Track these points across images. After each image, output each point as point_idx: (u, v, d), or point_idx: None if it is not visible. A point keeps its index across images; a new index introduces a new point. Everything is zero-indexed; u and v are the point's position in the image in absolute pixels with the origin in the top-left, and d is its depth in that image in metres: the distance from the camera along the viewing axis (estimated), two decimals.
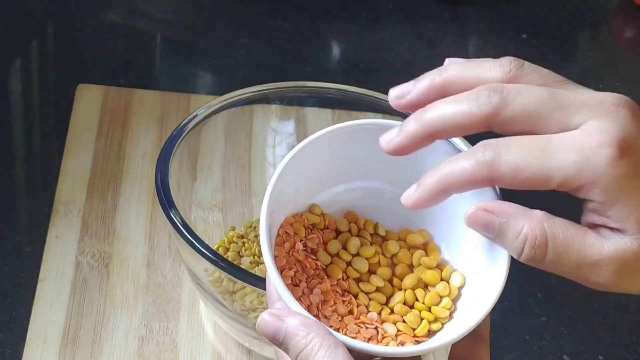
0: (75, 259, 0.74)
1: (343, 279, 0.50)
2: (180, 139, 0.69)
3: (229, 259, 0.70)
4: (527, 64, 0.46)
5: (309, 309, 0.46)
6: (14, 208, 0.81)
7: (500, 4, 1.15)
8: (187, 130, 0.70)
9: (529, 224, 0.43)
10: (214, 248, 0.69)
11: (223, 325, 0.70)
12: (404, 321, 0.48)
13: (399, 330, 0.48)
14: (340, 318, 0.47)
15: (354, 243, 0.51)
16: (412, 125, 0.45)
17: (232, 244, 0.72)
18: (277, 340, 0.44)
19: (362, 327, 0.47)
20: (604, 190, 0.43)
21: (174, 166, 0.68)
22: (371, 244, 0.51)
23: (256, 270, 0.68)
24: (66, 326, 0.69)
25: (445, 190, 0.44)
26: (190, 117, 0.71)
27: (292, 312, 0.45)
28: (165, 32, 1.07)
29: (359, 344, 0.44)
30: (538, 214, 0.43)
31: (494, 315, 0.80)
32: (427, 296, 0.49)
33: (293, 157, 0.49)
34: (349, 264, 0.50)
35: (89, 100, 0.89)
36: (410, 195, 0.45)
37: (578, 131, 0.43)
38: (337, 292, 0.49)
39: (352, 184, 0.52)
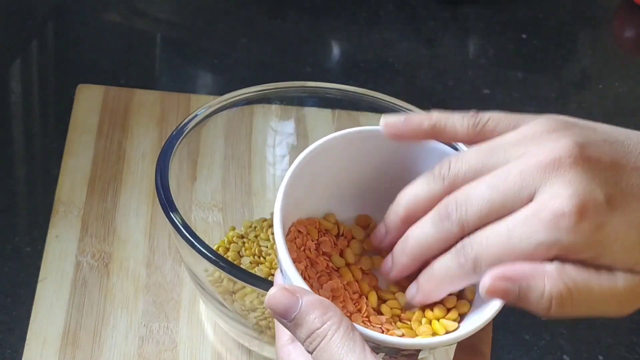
0: (75, 259, 0.74)
1: (354, 280, 0.50)
2: (180, 139, 0.69)
3: (229, 259, 0.70)
4: (452, 162, 0.47)
5: None
6: (14, 208, 0.81)
7: (500, 4, 1.15)
8: (187, 130, 0.70)
9: (549, 281, 0.43)
10: (214, 248, 0.69)
11: (223, 325, 0.70)
12: (411, 328, 0.48)
13: (403, 334, 0.48)
14: (348, 314, 0.47)
15: (365, 260, 0.51)
16: (403, 259, 0.48)
17: (232, 244, 0.72)
18: (289, 316, 0.43)
19: (368, 326, 0.47)
20: (580, 252, 0.44)
21: (174, 166, 0.68)
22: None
23: (256, 270, 0.68)
24: (66, 326, 0.69)
25: (443, 293, 0.48)
26: (190, 117, 0.71)
27: (307, 290, 0.44)
28: (165, 32, 1.07)
29: (371, 333, 0.44)
30: (552, 268, 0.44)
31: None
32: (435, 308, 0.49)
33: (308, 156, 0.50)
34: (364, 273, 0.51)
35: (89, 100, 0.89)
36: (413, 296, 0.48)
37: (533, 205, 0.44)
38: (347, 291, 0.49)
39: (364, 191, 0.53)
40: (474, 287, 0.49)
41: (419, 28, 1.10)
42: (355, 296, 0.49)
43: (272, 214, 0.65)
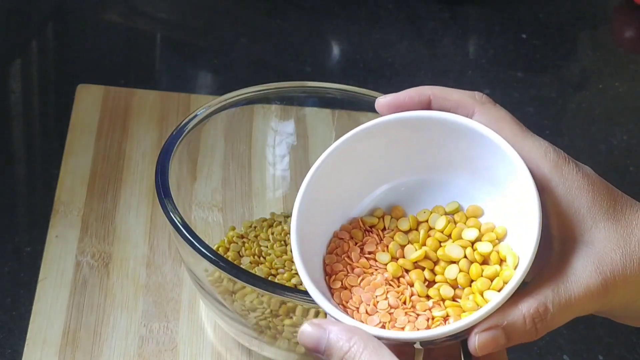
0: (75, 259, 0.74)
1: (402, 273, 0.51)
2: (180, 139, 0.69)
3: (229, 259, 0.70)
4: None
5: (358, 309, 0.49)
6: (14, 208, 0.81)
7: (500, 4, 1.15)
8: (187, 130, 0.70)
9: (523, 305, 0.47)
10: (214, 248, 0.69)
11: (223, 325, 0.70)
12: (460, 306, 0.49)
13: (447, 315, 0.49)
14: (391, 311, 0.49)
15: (409, 249, 0.52)
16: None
17: (232, 244, 0.72)
18: (320, 349, 0.46)
19: (410, 316, 0.49)
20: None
21: (174, 166, 0.68)
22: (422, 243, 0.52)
23: (256, 270, 0.68)
24: (66, 326, 0.69)
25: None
26: (190, 117, 0.71)
27: (333, 320, 0.47)
28: (165, 32, 1.07)
29: (383, 333, 0.47)
30: (526, 304, 0.47)
31: None
32: (479, 282, 0.49)
33: (316, 173, 0.51)
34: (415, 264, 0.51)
35: (89, 100, 0.89)
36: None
37: None
38: (390, 285, 0.50)
39: (382, 187, 0.53)
40: (516, 255, 0.49)
41: (419, 28, 1.10)
42: (402, 288, 0.50)
43: (288, 238, 0.66)
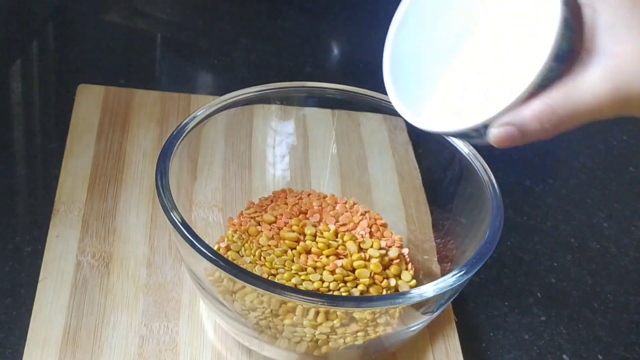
0: (75, 259, 0.74)
1: None
2: (180, 139, 0.69)
3: (229, 259, 0.70)
4: None
5: None
6: (14, 208, 0.81)
7: None
8: (187, 130, 0.70)
9: (533, 104, 0.50)
10: (214, 248, 0.70)
11: (223, 325, 0.70)
12: None
13: None
14: None
15: None
16: None
17: (232, 244, 0.72)
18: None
19: None
20: None
21: (174, 166, 0.68)
22: None
23: (256, 270, 0.68)
24: (66, 326, 0.69)
25: None
26: (190, 117, 0.71)
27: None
28: (165, 32, 1.07)
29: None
30: (533, 104, 0.50)
31: (493, 313, 0.80)
32: None
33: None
34: None
35: (89, 100, 0.89)
36: None
37: None
38: None
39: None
40: None
41: None
42: None
43: None
